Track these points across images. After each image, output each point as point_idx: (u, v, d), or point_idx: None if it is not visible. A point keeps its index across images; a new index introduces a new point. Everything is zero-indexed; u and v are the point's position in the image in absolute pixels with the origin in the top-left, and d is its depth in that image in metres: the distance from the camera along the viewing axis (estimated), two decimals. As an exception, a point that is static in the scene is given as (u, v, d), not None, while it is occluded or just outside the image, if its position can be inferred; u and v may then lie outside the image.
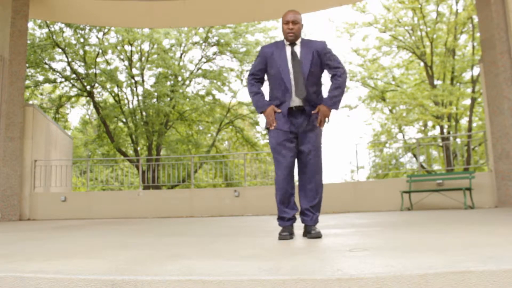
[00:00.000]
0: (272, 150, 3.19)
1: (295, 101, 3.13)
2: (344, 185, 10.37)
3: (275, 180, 3.16)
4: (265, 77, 3.34)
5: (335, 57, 3.22)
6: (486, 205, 8.74)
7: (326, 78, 3.33)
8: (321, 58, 3.17)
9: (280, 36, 20.91)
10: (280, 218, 3.19)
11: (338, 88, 3.14)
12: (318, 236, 3.07)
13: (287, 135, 3.13)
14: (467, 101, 20.14)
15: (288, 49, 3.21)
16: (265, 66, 3.26)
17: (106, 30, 19.95)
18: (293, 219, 3.19)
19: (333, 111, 3.17)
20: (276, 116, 3.16)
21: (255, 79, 3.30)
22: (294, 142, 3.16)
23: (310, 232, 3.10)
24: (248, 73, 3.36)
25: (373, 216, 6.44)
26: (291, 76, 3.13)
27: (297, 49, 3.20)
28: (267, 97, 3.29)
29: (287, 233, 3.09)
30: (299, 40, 3.24)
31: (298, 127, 3.14)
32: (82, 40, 19.53)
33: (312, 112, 3.15)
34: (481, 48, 9.64)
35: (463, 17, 18.72)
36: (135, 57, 21.36)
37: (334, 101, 3.15)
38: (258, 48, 20.41)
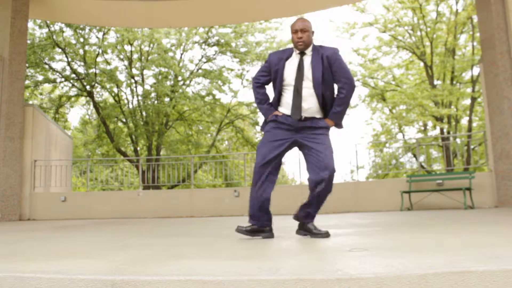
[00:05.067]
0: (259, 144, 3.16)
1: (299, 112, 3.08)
2: (344, 185, 10.37)
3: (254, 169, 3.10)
4: (269, 82, 3.29)
5: (344, 66, 3.11)
6: (486, 205, 8.74)
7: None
8: (331, 64, 3.08)
9: (280, 37, 20.96)
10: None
11: (341, 104, 3.11)
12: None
13: (283, 139, 3.10)
14: (467, 101, 20.15)
15: (296, 59, 3.14)
16: (269, 73, 3.23)
17: (106, 30, 19.95)
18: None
19: (336, 127, 3.20)
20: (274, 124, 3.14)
21: (257, 84, 3.28)
22: (286, 147, 3.12)
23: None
24: (253, 77, 3.35)
25: (373, 216, 6.43)
26: (292, 90, 3.09)
27: (307, 58, 3.12)
28: (271, 99, 3.27)
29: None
30: (310, 48, 3.15)
31: (299, 132, 3.10)
32: (82, 40, 19.53)
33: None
34: (481, 48, 9.64)
35: (463, 17, 18.73)
36: (135, 57, 21.37)
37: (338, 116, 3.12)
38: (259, 48, 20.43)
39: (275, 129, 3.12)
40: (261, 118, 22.36)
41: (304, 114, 3.06)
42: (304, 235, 3.19)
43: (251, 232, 3.12)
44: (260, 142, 3.17)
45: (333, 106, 3.12)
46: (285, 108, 3.13)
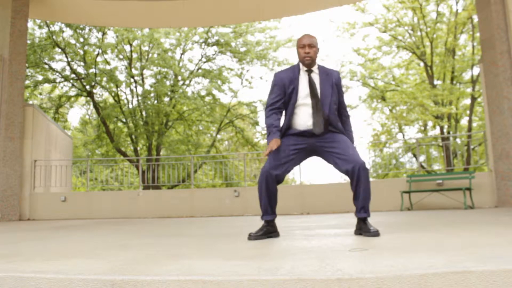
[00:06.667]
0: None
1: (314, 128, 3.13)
2: (344, 185, 10.36)
3: (261, 172, 3.10)
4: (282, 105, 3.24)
5: (343, 94, 3.32)
6: (486, 205, 8.74)
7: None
8: (337, 87, 3.23)
9: (280, 36, 20.96)
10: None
11: (350, 126, 3.35)
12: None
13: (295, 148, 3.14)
14: (467, 101, 20.16)
15: (305, 77, 3.17)
16: (283, 95, 3.17)
17: (106, 30, 19.95)
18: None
19: None
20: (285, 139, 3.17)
21: (273, 110, 3.18)
22: (301, 155, 3.16)
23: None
24: (266, 105, 3.26)
25: (373, 216, 6.43)
26: (311, 108, 3.11)
27: (315, 76, 3.18)
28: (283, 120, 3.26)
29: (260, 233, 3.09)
30: (316, 66, 3.21)
31: (313, 138, 3.14)
32: (82, 40, 19.53)
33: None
34: (481, 48, 9.64)
35: (463, 17, 18.73)
36: (135, 56, 21.35)
37: (352, 137, 3.33)
38: (258, 48, 20.41)
39: (287, 137, 3.16)
40: (261, 118, 22.35)
41: (318, 132, 3.11)
42: (359, 234, 3.26)
43: (265, 234, 3.11)
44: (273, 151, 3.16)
45: (347, 129, 3.31)
46: (299, 125, 3.14)
